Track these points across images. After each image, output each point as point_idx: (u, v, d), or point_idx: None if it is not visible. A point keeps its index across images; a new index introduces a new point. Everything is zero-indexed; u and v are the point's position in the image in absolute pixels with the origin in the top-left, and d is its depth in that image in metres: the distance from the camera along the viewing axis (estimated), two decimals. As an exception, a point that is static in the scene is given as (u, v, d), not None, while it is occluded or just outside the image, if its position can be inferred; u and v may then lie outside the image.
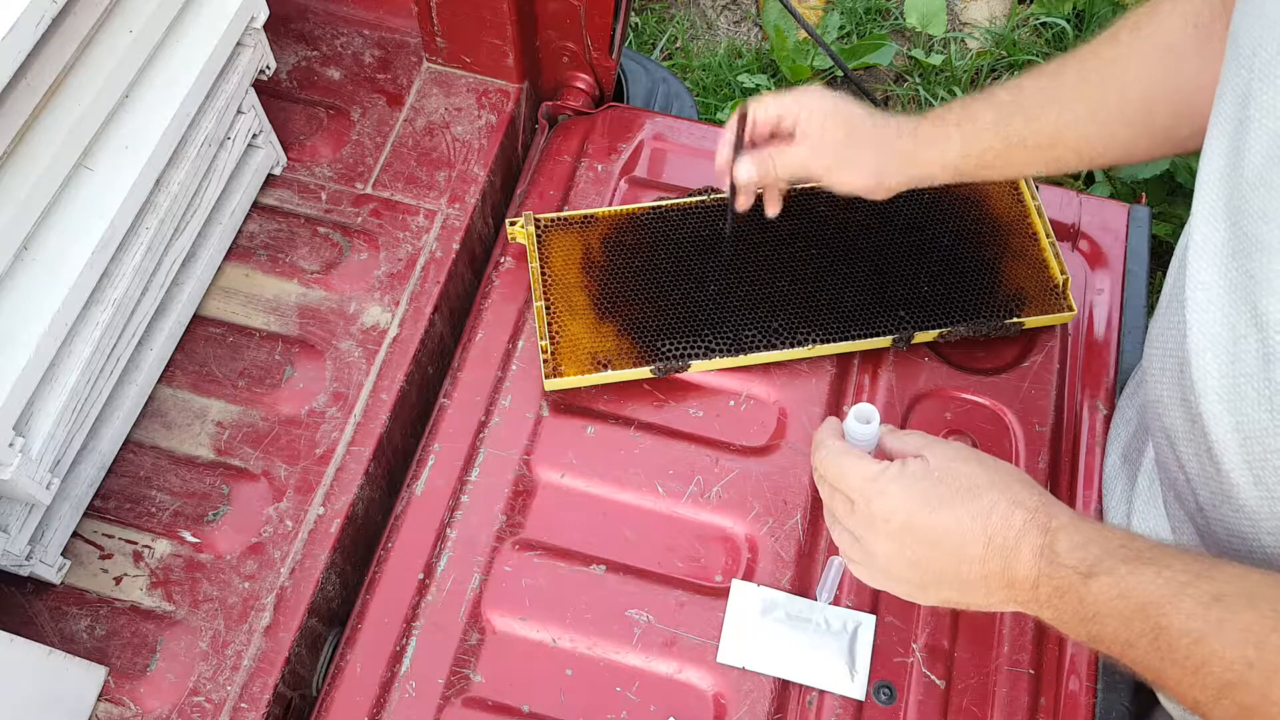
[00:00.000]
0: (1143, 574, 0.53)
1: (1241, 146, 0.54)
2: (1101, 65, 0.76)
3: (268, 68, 1.02)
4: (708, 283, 0.98)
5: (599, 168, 1.10)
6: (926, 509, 0.61)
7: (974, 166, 0.81)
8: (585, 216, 1.02)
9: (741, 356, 0.95)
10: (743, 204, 0.91)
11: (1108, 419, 0.96)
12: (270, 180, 1.09)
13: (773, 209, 0.93)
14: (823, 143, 0.82)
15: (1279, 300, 0.51)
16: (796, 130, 0.83)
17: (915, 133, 0.82)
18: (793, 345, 0.95)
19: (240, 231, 1.06)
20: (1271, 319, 0.52)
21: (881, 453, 0.68)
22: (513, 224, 1.02)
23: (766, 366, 0.97)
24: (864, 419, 0.66)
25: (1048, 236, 1.00)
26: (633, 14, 2.03)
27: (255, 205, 1.07)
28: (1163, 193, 1.71)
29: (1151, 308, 1.57)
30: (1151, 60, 0.74)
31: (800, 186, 1.01)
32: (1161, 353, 0.67)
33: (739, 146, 0.86)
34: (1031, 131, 0.78)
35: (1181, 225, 1.65)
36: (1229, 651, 0.49)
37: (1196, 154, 0.62)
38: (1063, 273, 0.98)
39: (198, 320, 1.01)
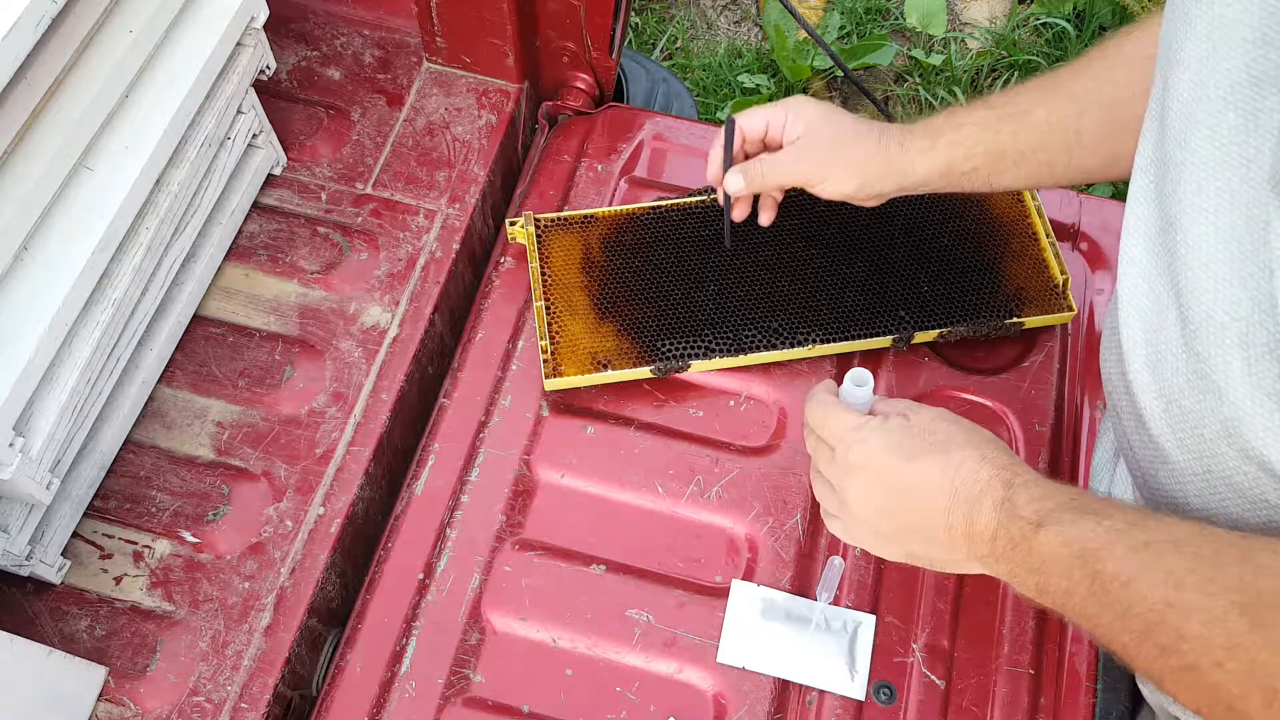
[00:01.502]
0: (1085, 523, 0.55)
1: (1163, 131, 0.57)
2: (1092, 69, 0.77)
3: (268, 68, 1.03)
4: (708, 283, 0.98)
5: (599, 168, 1.10)
6: (900, 459, 0.64)
7: (959, 174, 0.81)
8: (585, 216, 1.02)
9: (741, 356, 0.95)
10: (738, 214, 0.94)
11: (1108, 419, 0.96)
12: (270, 180, 1.09)
13: (766, 217, 0.95)
14: (809, 149, 0.84)
15: (1191, 272, 0.53)
16: (784, 138, 0.86)
17: (903, 141, 0.82)
18: (793, 345, 0.95)
19: (240, 231, 1.06)
20: (1186, 289, 0.54)
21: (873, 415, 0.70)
22: (513, 224, 1.02)
23: (766, 366, 0.97)
24: (859, 382, 0.68)
25: (1048, 236, 1.00)
26: (633, 14, 2.03)
27: (255, 205, 1.07)
28: (1163, 193, 1.71)
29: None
30: (1138, 67, 0.75)
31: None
32: (1109, 333, 0.69)
33: (728, 158, 0.87)
34: (1021, 130, 0.79)
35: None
36: (1152, 593, 0.51)
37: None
38: (1063, 273, 0.98)
39: (198, 320, 1.01)
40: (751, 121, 0.87)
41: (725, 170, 0.88)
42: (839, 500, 0.68)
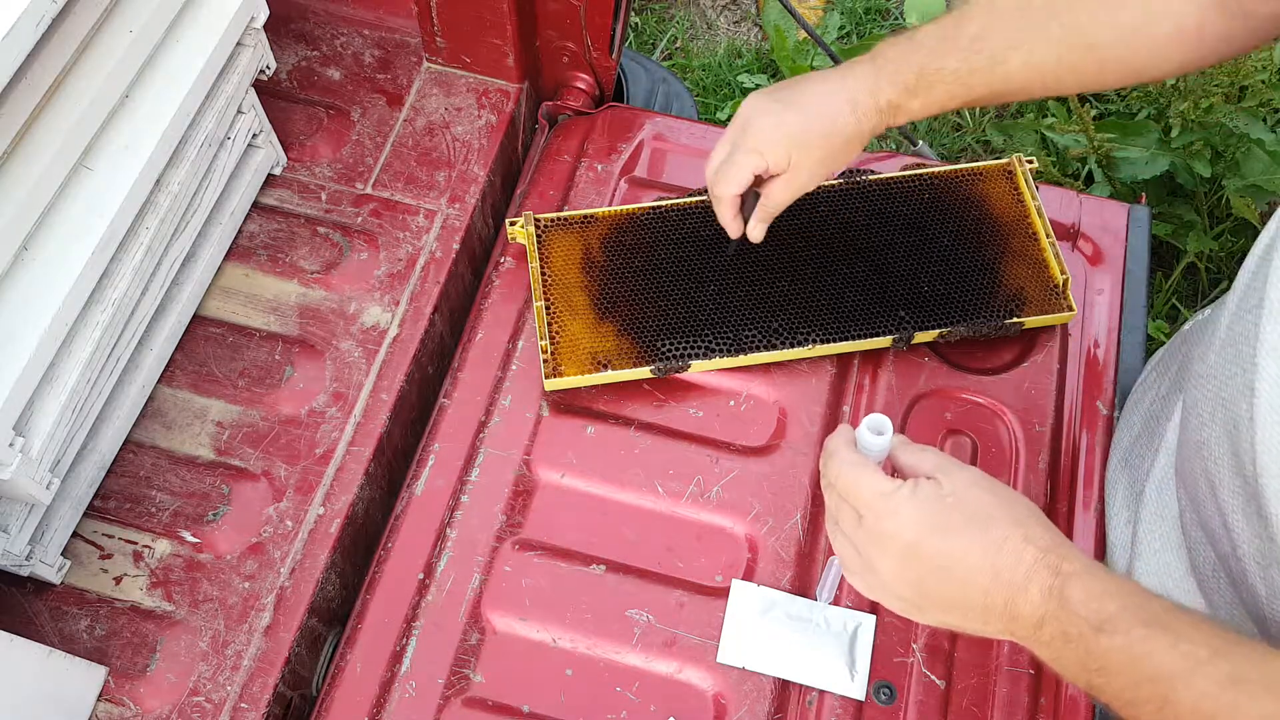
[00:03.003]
0: (1158, 641, 0.52)
1: None
2: (1070, 2, 0.75)
3: (268, 68, 1.03)
4: (708, 283, 0.98)
5: (599, 168, 1.10)
6: (936, 534, 0.60)
7: (935, 112, 0.83)
8: (585, 216, 1.02)
9: (741, 356, 0.95)
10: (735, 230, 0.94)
11: (1108, 419, 0.96)
12: (270, 180, 1.09)
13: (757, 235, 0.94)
14: (799, 171, 0.85)
15: None
16: (768, 170, 0.85)
17: (877, 105, 0.82)
18: (793, 345, 0.95)
19: (240, 231, 1.06)
20: None
21: (890, 462, 0.67)
22: (513, 224, 1.02)
23: (766, 366, 0.97)
24: (877, 430, 0.65)
25: (1048, 236, 1.00)
26: (633, 14, 2.03)
27: (255, 205, 1.07)
28: (1163, 193, 1.71)
29: (1151, 308, 1.57)
30: (1131, 2, 0.72)
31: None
32: (1214, 396, 0.64)
33: (748, 216, 0.90)
34: (996, 80, 0.78)
35: (1181, 225, 1.65)
36: None
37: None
38: (1063, 273, 0.98)
39: (198, 320, 1.01)
40: (742, 180, 0.86)
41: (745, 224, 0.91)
42: (865, 563, 0.64)
